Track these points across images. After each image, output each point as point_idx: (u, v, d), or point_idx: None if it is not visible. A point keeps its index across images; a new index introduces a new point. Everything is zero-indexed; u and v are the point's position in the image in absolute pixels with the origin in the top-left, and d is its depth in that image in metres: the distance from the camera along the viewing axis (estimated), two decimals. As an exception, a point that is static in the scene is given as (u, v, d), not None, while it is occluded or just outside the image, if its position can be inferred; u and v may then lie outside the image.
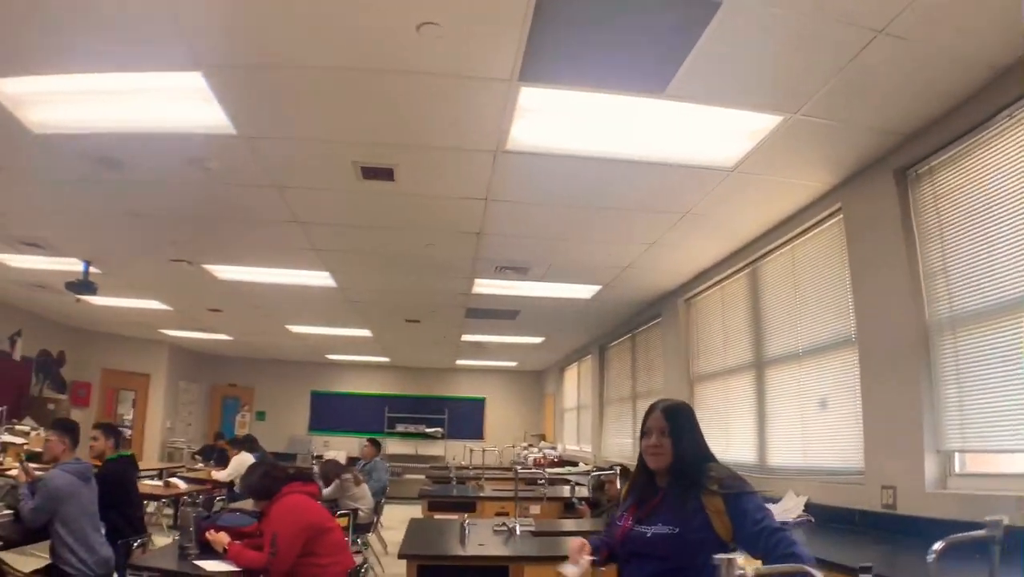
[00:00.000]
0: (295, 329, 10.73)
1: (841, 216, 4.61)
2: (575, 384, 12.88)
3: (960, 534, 1.55)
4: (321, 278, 7.00)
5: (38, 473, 4.57)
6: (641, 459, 2.54)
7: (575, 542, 2.57)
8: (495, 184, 4.57)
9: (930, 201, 3.86)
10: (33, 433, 8.71)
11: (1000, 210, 3.38)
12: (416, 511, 11.68)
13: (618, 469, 5.22)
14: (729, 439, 6.15)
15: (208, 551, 4.02)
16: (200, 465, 10.75)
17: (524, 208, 4.98)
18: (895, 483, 3.93)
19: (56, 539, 4.18)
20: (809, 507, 4.59)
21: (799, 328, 5.17)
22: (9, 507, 4.66)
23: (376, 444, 9.18)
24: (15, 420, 9.33)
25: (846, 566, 2.86)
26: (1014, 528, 2.75)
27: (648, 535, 2.38)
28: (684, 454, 2.44)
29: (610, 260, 6.24)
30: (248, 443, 9.41)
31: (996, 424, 3.43)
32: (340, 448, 14.12)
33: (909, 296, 3.91)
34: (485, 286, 7.12)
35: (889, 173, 4.07)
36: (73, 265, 7.03)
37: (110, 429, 5.45)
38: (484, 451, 11.00)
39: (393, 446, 15.37)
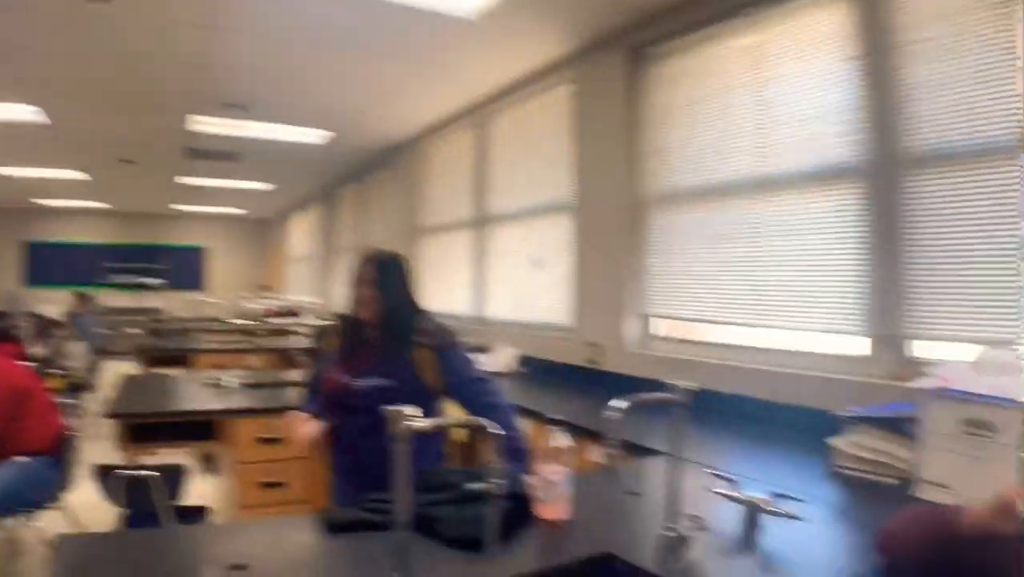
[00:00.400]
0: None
1: (572, 85, 4.69)
2: (302, 233, 12.59)
3: (646, 395, 1.62)
4: (29, 113, 6.03)
5: None
6: (351, 310, 2.46)
7: (292, 421, 2.48)
8: (221, 10, 4.05)
9: (659, 83, 4.03)
10: None
11: (717, 101, 3.62)
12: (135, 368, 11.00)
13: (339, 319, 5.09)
14: (450, 291, 6.29)
15: None
16: None
17: (253, 41, 4.50)
18: (601, 341, 4.22)
19: None
20: (520, 359, 4.82)
21: (522, 189, 5.34)
22: None
23: (85, 297, 8.34)
24: None
25: (543, 415, 3.01)
26: (703, 391, 3.08)
27: (361, 389, 2.34)
28: (392, 305, 2.38)
29: (343, 105, 5.96)
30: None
31: (687, 295, 3.84)
32: (56, 302, 12.72)
33: (626, 171, 4.12)
34: (207, 124, 6.47)
35: (624, 50, 4.17)
36: None
37: None
38: (208, 303, 10.46)
39: (112, 298, 14.13)
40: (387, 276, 2.41)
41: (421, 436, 1.38)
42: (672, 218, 3.93)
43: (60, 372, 6.10)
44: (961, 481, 2.00)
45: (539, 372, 4.72)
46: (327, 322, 5.40)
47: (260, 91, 5.54)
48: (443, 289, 6.43)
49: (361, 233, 8.95)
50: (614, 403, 1.60)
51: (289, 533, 1.79)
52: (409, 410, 1.27)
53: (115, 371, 10.26)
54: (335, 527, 1.78)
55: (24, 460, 3.48)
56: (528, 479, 1.89)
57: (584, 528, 1.81)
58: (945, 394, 2.08)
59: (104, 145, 7.70)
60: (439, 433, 2.56)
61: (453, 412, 2.52)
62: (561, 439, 1.82)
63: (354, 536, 1.74)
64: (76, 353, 7.21)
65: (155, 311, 13.83)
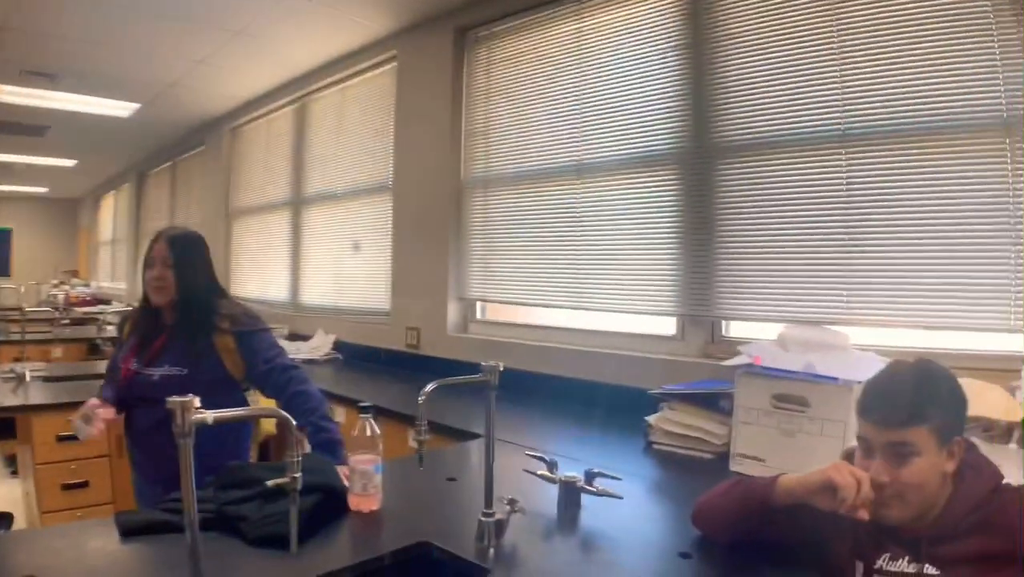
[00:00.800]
0: None
1: (395, 64, 4.60)
2: (111, 215, 11.71)
3: (454, 378, 1.63)
4: None
5: None
6: (145, 295, 2.27)
7: (89, 404, 2.24)
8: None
9: (484, 65, 4.00)
10: None
11: (540, 87, 3.65)
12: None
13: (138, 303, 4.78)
14: (264, 277, 6.07)
15: None
16: None
17: (60, 3, 4.08)
18: (419, 325, 4.18)
19: None
20: (338, 345, 4.72)
21: (340, 170, 5.22)
22: None
23: None
24: None
25: (353, 400, 2.93)
26: (523, 373, 3.12)
27: (155, 378, 2.19)
28: (190, 288, 2.24)
29: (153, 75, 5.52)
30: None
31: (507, 279, 3.87)
32: None
33: (449, 152, 4.10)
34: (8, 94, 5.83)
35: (449, 31, 4.12)
36: None
37: None
38: (8, 289, 9.54)
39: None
40: (185, 256, 2.25)
41: (223, 430, 1.27)
42: (492, 201, 3.94)
43: None
44: (774, 454, 2.11)
45: (357, 358, 4.64)
46: (132, 308, 5.07)
47: (67, 59, 5.05)
48: (259, 274, 6.18)
49: (174, 215, 8.41)
50: (428, 388, 1.56)
51: (85, 539, 1.63)
52: (197, 401, 1.15)
53: None
54: (129, 530, 1.63)
55: None
56: (340, 469, 1.81)
57: (399, 518, 1.76)
58: (756, 371, 2.18)
59: None
60: (245, 426, 2.43)
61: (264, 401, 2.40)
62: (374, 426, 1.75)
63: (153, 539, 1.60)
64: None
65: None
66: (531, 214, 3.69)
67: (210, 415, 1.15)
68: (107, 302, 9.73)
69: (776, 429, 2.12)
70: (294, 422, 1.28)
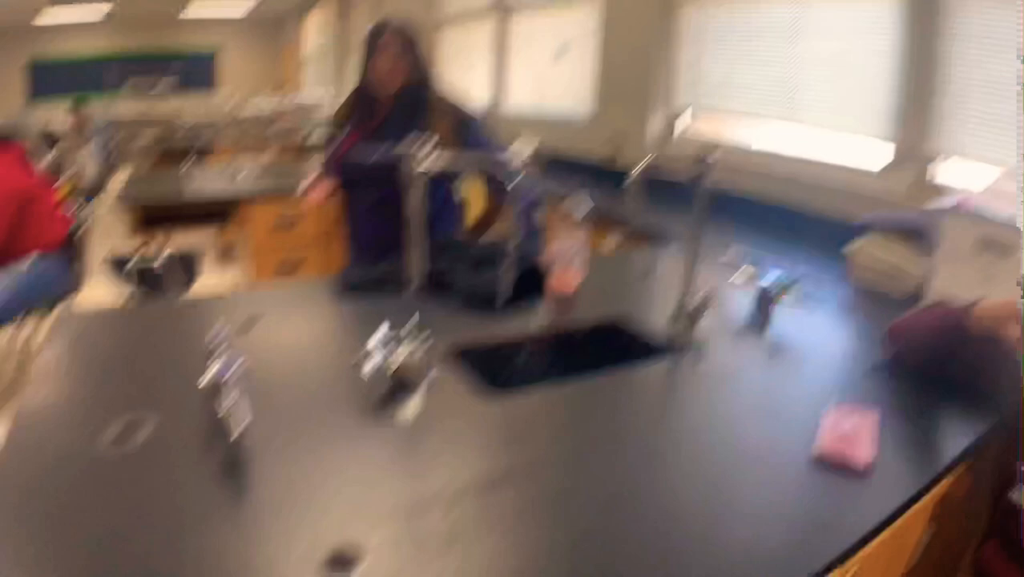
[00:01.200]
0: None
1: None
2: (315, 29, 12.11)
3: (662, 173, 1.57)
4: None
5: None
6: (363, 83, 2.31)
7: (311, 176, 2.44)
8: None
9: None
10: None
11: None
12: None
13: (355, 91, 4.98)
14: (468, 82, 6.03)
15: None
16: None
17: None
18: (622, 137, 4.07)
19: None
20: (537, 155, 4.70)
21: None
22: None
23: (87, 107, 8.01)
24: None
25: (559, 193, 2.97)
26: (723, 194, 3.02)
27: (375, 157, 2.22)
28: (414, 75, 2.27)
29: None
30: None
31: (717, 92, 3.64)
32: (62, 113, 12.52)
33: None
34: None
35: None
36: None
37: None
38: (221, 104, 10.30)
39: (123, 106, 13.90)
40: (409, 45, 2.27)
41: (436, 205, 1.33)
42: (708, 12, 3.70)
43: (68, 178, 6.00)
44: (970, 297, 1.98)
45: (557, 167, 4.62)
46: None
47: None
48: (461, 82, 6.15)
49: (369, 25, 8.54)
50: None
51: (304, 293, 1.79)
52: (422, 151, 1.20)
53: (125, 177, 10.31)
54: (350, 286, 1.78)
55: (32, 261, 3.42)
56: (542, 249, 1.87)
57: (594, 302, 1.82)
58: (964, 211, 2.03)
59: None
60: (455, 207, 2.52)
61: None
62: (578, 210, 1.78)
63: (369, 297, 1.74)
64: (84, 160, 7.12)
65: (167, 117, 13.63)
66: (747, 27, 3.44)
67: (439, 161, 1.19)
68: (311, 110, 10.35)
69: (977, 273, 1.98)
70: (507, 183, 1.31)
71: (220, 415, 1.08)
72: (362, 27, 8.98)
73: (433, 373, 1.31)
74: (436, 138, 1.49)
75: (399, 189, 1.63)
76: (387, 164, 2.16)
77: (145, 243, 3.46)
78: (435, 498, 1.00)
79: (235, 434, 1.07)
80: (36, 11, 11.21)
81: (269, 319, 1.61)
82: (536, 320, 1.68)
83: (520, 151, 4.72)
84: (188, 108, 13.22)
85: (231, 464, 1.06)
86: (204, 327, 1.23)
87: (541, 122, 4.99)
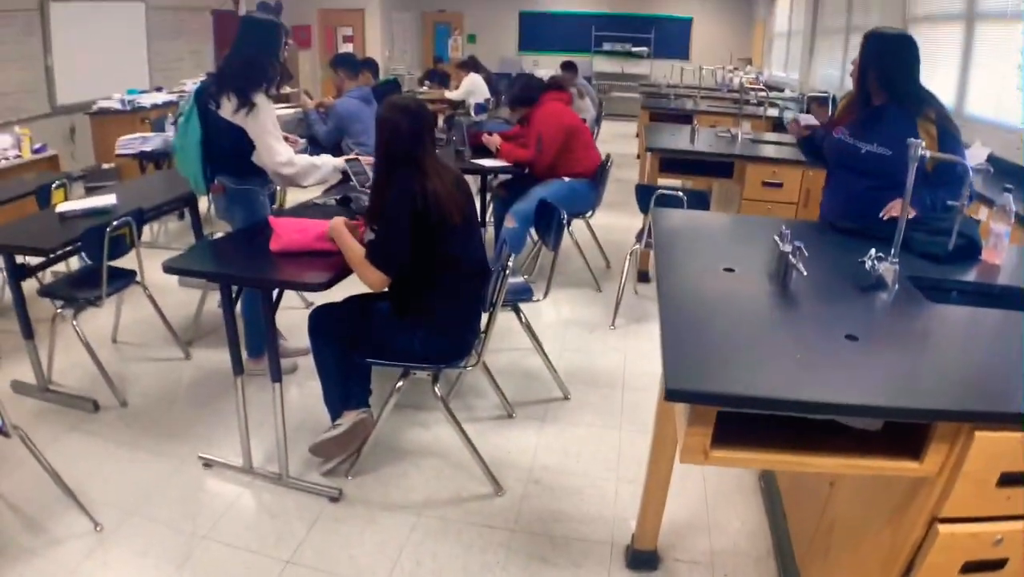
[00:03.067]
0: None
1: None
2: (787, 10, 12.30)
3: None
4: None
5: (327, 101, 5.56)
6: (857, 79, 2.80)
7: (794, 120, 3.08)
8: None
9: None
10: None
11: None
12: (627, 127, 12.54)
13: (830, 95, 5.60)
14: (932, 83, 6.07)
15: (479, 153, 5.00)
16: (425, 88, 11.83)
17: None
18: None
19: (347, 152, 5.06)
20: (991, 159, 4.77)
21: None
22: (301, 136, 5.74)
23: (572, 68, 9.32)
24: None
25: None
26: None
27: (862, 152, 2.70)
28: (872, 75, 2.69)
29: None
30: (472, 64, 10.19)
31: None
32: (549, 67, 14.61)
33: None
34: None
35: None
36: None
37: (361, 64, 5.70)
38: (692, 71, 11.25)
39: (599, 64, 15.79)
40: (877, 53, 2.67)
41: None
42: None
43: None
44: None
45: (1005, 172, 4.56)
46: (819, 94, 5.94)
47: None
48: (928, 79, 6.23)
49: (851, 15, 8.67)
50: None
51: (792, 226, 2.44)
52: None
53: (613, 130, 11.91)
54: (837, 228, 2.56)
55: (571, 180, 4.76)
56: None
57: (1009, 273, 2.30)
58: None
59: None
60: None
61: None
62: (1009, 205, 2.30)
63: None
64: (585, 108, 8.45)
65: (643, 77, 15.17)
66: None
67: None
68: (779, 90, 10.84)
69: None
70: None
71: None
72: (834, 14, 9.26)
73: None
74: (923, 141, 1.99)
75: (885, 183, 2.36)
76: (869, 159, 2.69)
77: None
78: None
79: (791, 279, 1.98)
80: None
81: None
82: (967, 274, 2.27)
83: (977, 154, 4.87)
84: (659, 72, 14.55)
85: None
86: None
87: (999, 128, 5.01)
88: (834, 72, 9.16)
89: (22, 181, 5.28)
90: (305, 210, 3.43)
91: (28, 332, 3.43)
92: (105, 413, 3.37)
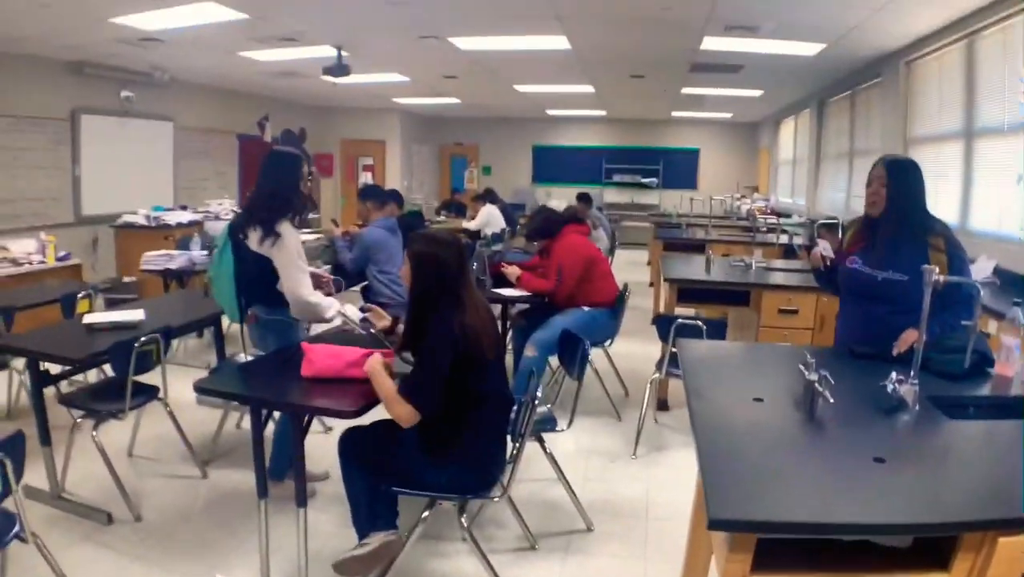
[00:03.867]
0: (521, 89, 11.33)
1: None
2: (791, 137, 12.75)
3: None
4: (558, 42, 7.44)
5: (352, 229, 5.74)
6: (865, 209, 2.92)
7: (816, 251, 3.12)
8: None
9: None
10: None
11: None
12: (639, 255, 12.78)
13: (839, 221, 5.77)
14: (936, 200, 6.27)
15: (499, 283, 5.11)
16: (442, 218, 12.18)
17: None
18: None
19: (372, 279, 5.29)
20: (996, 271, 4.88)
21: (1008, 104, 5.15)
22: (326, 262, 5.89)
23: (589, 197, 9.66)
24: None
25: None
26: None
27: (879, 279, 2.80)
28: (901, 206, 2.77)
29: (839, 21, 6.23)
30: (489, 195, 10.52)
31: None
32: (561, 198, 15.03)
33: None
34: (713, 43, 7.27)
35: None
36: (322, 52, 7.87)
37: (388, 196, 5.92)
38: (700, 200, 11.56)
39: (610, 195, 16.25)
40: (897, 178, 2.78)
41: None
42: None
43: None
44: None
45: (1010, 283, 4.66)
46: (829, 220, 6.10)
47: (765, 13, 6.09)
48: (931, 197, 6.38)
49: (853, 141, 8.99)
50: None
51: (813, 353, 2.52)
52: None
53: (625, 259, 12.14)
54: (856, 353, 2.63)
55: (591, 309, 4.84)
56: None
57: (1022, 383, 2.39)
58: None
59: (617, 63, 8.88)
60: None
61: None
62: (1018, 319, 2.38)
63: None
64: (599, 238, 8.71)
65: (653, 207, 15.58)
66: None
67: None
68: (787, 215, 11.07)
69: None
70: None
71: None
72: (836, 139, 9.66)
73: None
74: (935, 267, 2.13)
75: (901, 308, 2.43)
76: (888, 286, 2.78)
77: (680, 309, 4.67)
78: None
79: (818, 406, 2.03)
80: (547, 106, 13.92)
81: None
82: (979, 387, 2.36)
83: (983, 268, 4.97)
84: (668, 202, 14.95)
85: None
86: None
87: (1002, 241, 5.15)
88: (839, 195, 9.39)
89: (45, 287, 5.46)
90: (336, 336, 3.48)
91: (46, 439, 3.46)
92: (119, 526, 3.33)
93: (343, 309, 3.42)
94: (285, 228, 3.26)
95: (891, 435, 1.98)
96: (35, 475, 3.51)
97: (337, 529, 2.83)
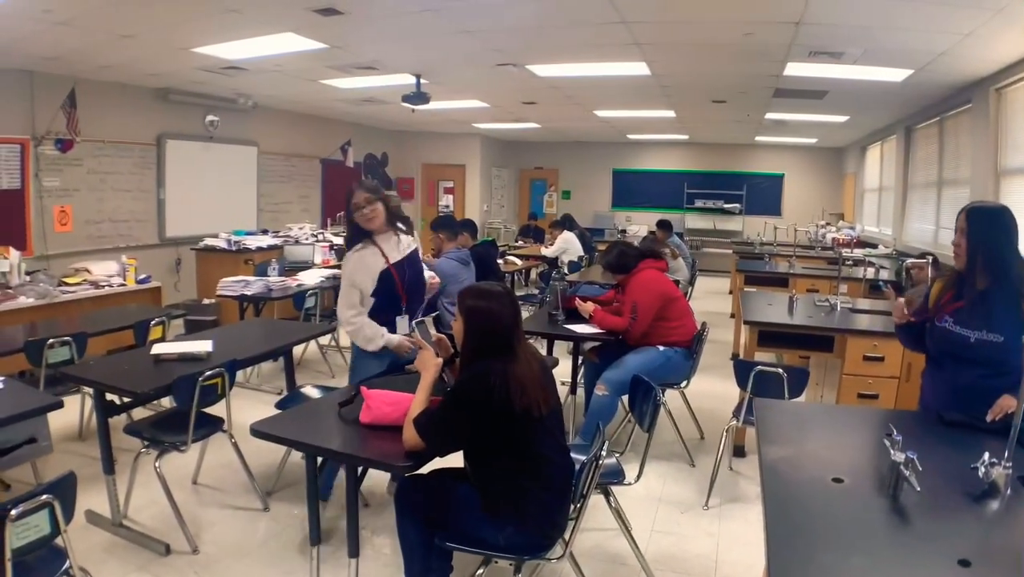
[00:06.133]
0: (602, 114, 11.20)
1: None
2: (877, 164, 12.21)
3: None
4: (637, 68, 7.31)
5: (426, 259, 5.72)
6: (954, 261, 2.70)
7: (900, 302, 2.94)
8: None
9: None
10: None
11: None
12: (720, 283, 12.47)
13: (930, 258, 5.43)
14: None
15: (572, 317, 4.97)
16: (520, 243, 12.17)
17: None
18: None
19: (443, 310, 5.32)
20: None
21: None
22: None
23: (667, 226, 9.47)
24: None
25: None
26: None
27: (972, 340, 2.57)
28: (981, 257, 2.55)
29: (926, 47, 5.92)
30: (567, 222, 10.45)
31: None
32: (641, 223, 14.83)
33: None
34: (796, 69, 7.06)
35: None
36: (402, 80, 7.95)
37: (461, 226, 6.12)
38: (785, 228, 11.20)
39: (691, 221, 15.90)
40: (978, 227, 2.57)
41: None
42: None
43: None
44: None
45: None
46: (917, 259, 5.76)
47: (850, 39, 5.87)
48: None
49: (942, 169, 8.55)
50: None
51: (898, 419, 2.36)
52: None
53: (706, 287, 11.84)
54: (946, 421, 2.40)
55: (665, 349, 4.64)
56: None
57: None
58: None
59: (698, 89, 8.74)
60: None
61: None
62: None
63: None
64: (678, 268, 8.57)
65: (735, 233, 15.19)
66: None
67: None
68: (873, 246, 10.59)
69: None
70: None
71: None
72: (924, 168, 9.24)
73: None
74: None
75: (995, 371, 2.21)
76: (981, 347, 2.53)
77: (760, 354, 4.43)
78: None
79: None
80: (628, 130, 13.80)
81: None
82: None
83: None
84: (751, 228, 14.57)
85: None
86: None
87: None
88: (927, 227, 8.96)
89: (124, 311, 5.61)
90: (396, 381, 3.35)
91: (109, 468, 3.52)
92: (176, 558, 3.33)
93: (388, 339, 3.60)
94: (347, 255, 3.65)
95: (979, 530, 1.82)
96: (99, 500, 3.60)
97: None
